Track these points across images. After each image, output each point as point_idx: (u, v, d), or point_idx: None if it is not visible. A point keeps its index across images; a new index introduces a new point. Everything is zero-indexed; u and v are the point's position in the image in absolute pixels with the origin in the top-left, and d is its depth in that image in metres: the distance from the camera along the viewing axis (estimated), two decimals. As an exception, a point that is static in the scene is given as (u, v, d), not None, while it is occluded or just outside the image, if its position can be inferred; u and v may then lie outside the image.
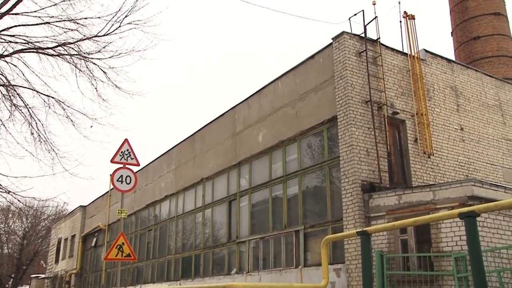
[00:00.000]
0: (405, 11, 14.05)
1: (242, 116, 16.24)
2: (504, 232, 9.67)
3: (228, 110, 17.11)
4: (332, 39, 12.76)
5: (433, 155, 12.82)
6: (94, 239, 28.92)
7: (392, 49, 13.33)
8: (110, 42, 11.89)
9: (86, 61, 11.91)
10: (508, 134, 15.37)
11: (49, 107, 11.93)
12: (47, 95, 11.93)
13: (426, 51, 14.16)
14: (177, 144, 20.61)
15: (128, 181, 10.64)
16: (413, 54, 13.56)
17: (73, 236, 32.71)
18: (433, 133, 13.12)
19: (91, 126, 12.17)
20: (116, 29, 11.71)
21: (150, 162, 22.97)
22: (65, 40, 11.58)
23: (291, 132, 13.67)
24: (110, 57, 11.97)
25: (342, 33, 12.50)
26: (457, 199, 9.59)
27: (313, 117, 12.97)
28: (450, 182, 10.13)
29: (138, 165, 11.07)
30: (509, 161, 14.95)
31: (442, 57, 14.56)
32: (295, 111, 13.69)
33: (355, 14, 13.09)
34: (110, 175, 10.66)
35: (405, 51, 13.66)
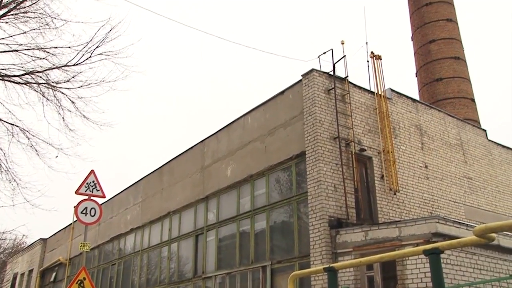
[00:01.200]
0: (372, 52, 14.54)
1: (211, 150, 16.22)
2: (466, 269, 9.83)
3: (197, 144, 17.08)
4: (302, 76, 13.03)
5: (398, 192, 13.05)
6: (54, 274, 27.78)
7: (360, 88, 13.70)
8: (80, 72, 11.83)
9: (54, 90, 11.78)
10: (469, 173, 15.84)
11: (13, 135, 11.66)
12: (11, 124, 11.68)
13: (392, 90, 14.61)
14: (145, 176, 20.32)
15: (92, 214, 10.38)
16: (379, 93, 13.95)
17: (30, 271, 31.33)
18: (399, 170, 13.40)
19: (56, 156, 11.93)
20: (87, 59, 11.68)
21: (116, 194, 22.51)
22: (33, 68, 11.45)
23: (260, 167, 13.71)
24: (79, 87, 11.88)
25: (312, 70, 12.80)
26: (422, 235, 9.73)
27: (282, 152, 13.07)
28: (415, 219, 10.30)
29: (103, 197, 10.84)
30: (470, 199, 15.35)
31: (407, 97, 15.03)
32: (264, 145, 13.78)
33: (324, 53, 13.47)
34: (74, 207, 10.39)
35: (372, 89, 14.06)
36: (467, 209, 15.03)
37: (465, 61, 25.65)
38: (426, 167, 14.37)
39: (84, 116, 12.04)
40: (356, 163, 12.44)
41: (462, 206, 14.94)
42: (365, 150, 12.85)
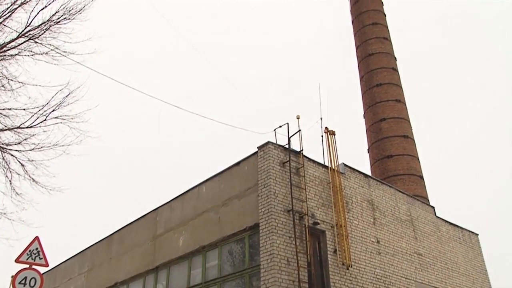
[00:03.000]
0: (326, 127, 15.06)
1: (164, 219, 15.87)
2: None
3: (150, 212, 16.70)
4: (257, 148, 13.25)
5: (351, 266, 13.05)
6: None
7: (314, 161, 14.02)
8: (33, 135, 11.58)
9: (4, 152, 11.42)
10: (420, 249, 16.12)
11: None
12: None
13: (346, 165, 15.02)
14: (93, 244, 19.47)
15: (32, 284, 9.75)
16: (333, 167, 14.31)
17: None
18: (352, 244, 13.48)
19: (-3, 221, 11.32)
20: (41, 122, 11.50)
21: (61, 263, 21.33)
22: (-17, 129, 11.13)
23: (213, 238, 13.48)
24: (30, 150, 11.58)
25: (267, 143, 13.05)
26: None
27: (236, 224, 12.95)
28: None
29: (47, 265, 10.25)
30: (421, 276, 15.51)
31: (359, 172, 15.47)
32: (218, 216, 13.64)
33: (280, 126, 13.84)
34: (12, 276, 9.74)
35: (326, 164, 14.41)
36: (418, 286, 15.14)
37: (413, 140, 26.91)
38: (378, 242, 14.54)
39: (33, 180, 11.65)
40: (309, 236, 12.45)
41: (413, 282, 15.04)
42: (319, 224, 12.93)
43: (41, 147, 11.59)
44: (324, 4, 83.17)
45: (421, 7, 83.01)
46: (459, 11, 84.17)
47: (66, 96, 11.49)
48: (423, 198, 23.66)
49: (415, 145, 26.73)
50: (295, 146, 13.61)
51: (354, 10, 31.50)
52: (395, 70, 28.79)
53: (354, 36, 31.13)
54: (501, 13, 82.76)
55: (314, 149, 14.55)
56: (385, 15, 30.96)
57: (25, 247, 10.04)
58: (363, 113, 28.66)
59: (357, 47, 30.56)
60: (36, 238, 10.23)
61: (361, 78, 29.42)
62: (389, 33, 30.37)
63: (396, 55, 29.74)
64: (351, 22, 31.80)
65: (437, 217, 17.92)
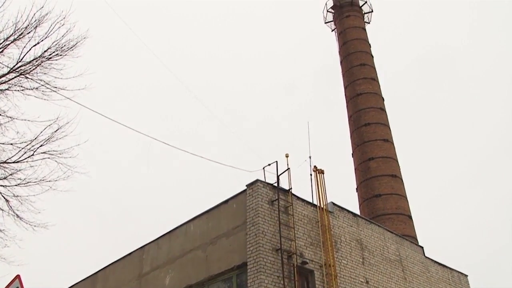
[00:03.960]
0: (315, 166, 15.12)
1: (150, 257, 15.57)
2: None
3: (137, 250, 16.39)
4: (246, 186, 13.21)
5: (340, 308, 12.82)
6: None
7: (303, 200, 13.98)
8: (19, 170, 11.45)
9: (-12, 187, 11.24)
10: (409, 290, 15.93)
11: None
12: None
13: (334, 204, 14.99)
14: (77, 283, 18.95)
15: (11, 325, 9.40)
16: (322, 206, 14.27)
17: None
18: (340, 284, 13.30)
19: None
20: (29, 157, 11.39)
21: (41, 303, 20.69)
22: (-33, 163, 11.00)
23: (200, 277, 13.22)
24: (16, 185, 11.42)
25: (256, 181, 13.03)
26: None
27: (223, 262, 12.75)
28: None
29: (27, 305, 9.93)
30: (411, 317, 15.26)
31: (348, 211, 15.43)
32: (206, 255, 13.43)
33: (269, 164, 13.85)
34: (-9, 316, 9.40)
35: (315, 203, 14.37)
36: (408, 328, 14.87)
37: (402, 179, 27.04)
38: (367, 282, 14.36)
39: (18, 216, 11.44)
40: (298, 276, 12.27)
41: (402, 324, 14.78)
42: (307, 263, 12.77)
43: (27, 182, 11.45)
44: (312, 43, 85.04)
45: (408, 45, 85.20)
46: (441, 52, 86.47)
47: (55, 131, 11.45)
48: (412, 238, 23.57)
49: (403, 184, 26.85)
50: (284, 184, 13.61)
51: (342, 51, 32.21)
52: (383, 110, 29.23)
53: (343, 76, 31.71)
54: (480, 54, 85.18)
55: (303, 188, 14.55)
56: (372, 57, 31.68)
57: (4, 286, 9.74)
58: (352, 152, 28.86)
59: (345, 87, 31.08)
60: (17, 276, 9.93)
61: (350, 117, 29.79)
62: (376, 73, 31.01)
63: (383, 95, 30.27)
64: (339, 62, 32.45)
65: (426, 257, 17.81)
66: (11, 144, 11.23)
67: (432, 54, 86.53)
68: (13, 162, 11.28)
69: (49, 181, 11.60)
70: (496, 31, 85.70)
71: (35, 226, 11.80)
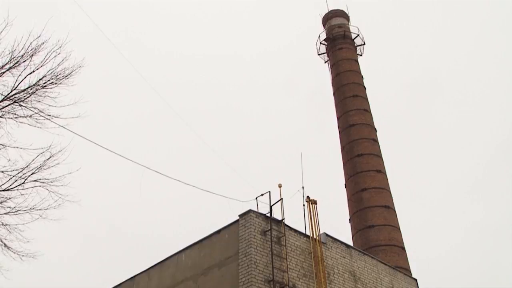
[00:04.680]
0: (308, 196, 15.09)
1: (140, 288, 15.30)
2: None
3: (126, 281, 16.11)
4: (239, 216, 13.13)
5: None
6: None
7: (296, 231, 13.89)
8: (9, 198, 11.33)
9: (-24, 215, 11.09)
10: (403, 323, 15.70)
11: None
12: None
13: (327, 235, 14.90)
14: (63, 315, 18.53)
15: None
16: (315, 237, 14.17)
17: None
18: (333, 318, 13.09)
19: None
20: (20, 185, 11.29)
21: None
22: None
23: (191, 309, 12.98)
24: (5, 214, 11.28)
25: (249, 211, 12.97)
26: None
27: (215, 294, 12.54)
28: None
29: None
30: None
31: (341, 242, 15.33)
32: (197, 285, 13.22)
33: (262, 194, 13.82)
34: None
35: (308, 233, 14.28)
36: None
37: (395, 210, 26.99)
38: (360, 315, 14.15)
39: (5, 245, 11.25)
40: (290, 308, 12.07)
41: None
42: (300, 295, 12.60)
43: (17, 210, 11.32)
44: (304, 73, 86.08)
45: (397, 72, 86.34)
46: (429, 77, 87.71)
47: (47, 159, 11.40)
48: (405, 270, 23.35)
49: (396, 215, 26.78)
50: (277, 214, 13.55)
51: (335, 83, 32.61)
52: (375, 141, 29.41)
53: (336, 107, 32.01)
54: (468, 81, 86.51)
55: (295, 218, 14.49)
56: (365, 88, 32.08)
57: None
58: (345, 183, 28.86)
59: (338, 118, 31.33)
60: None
61: (343, 148, 29.92)
62: (369, 105, 31.34)
63: (376, 126, 30.52)
64: (332, 93, 32.82)
65: (420, 290, 17.63)
66: (2, 172, 11.16)
67: (421, 79, 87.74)
68: (3, 190, 11.18)
69: (40, 209, 11.48)
70: (485, 53, 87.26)
71: (23, 255, 11.61)
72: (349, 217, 27.62)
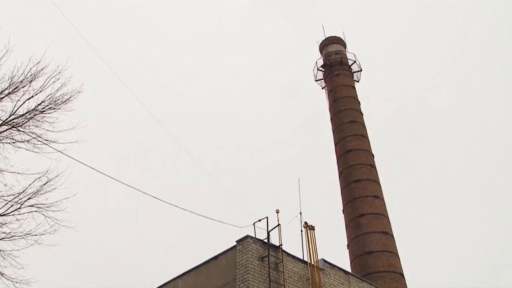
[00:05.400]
0: (305, 222, 15.02)
1: (135, 315, 15.06)
2: None
3: (121, 307, 15.87)
4: (236, 242, 13.04)
5: None
6: None
7: (293, 257, 13.77)
8: (5, 223, 11.23)
9: (-31, 241, 10.97)
10: None
11: None
12: None
13: (325, 261, 14.77)
14: None
15: None
16: (312, 263, 14.05)
17: None
18: None
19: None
20: (15, 210, 11.21)
21: None
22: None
23: (187, 337, 12.75)
24: (0, 239, 11.16)
25: (246, 237, 12.88)
26: None
27: (212, 322, 12.36)
28: None
29: None
30: None
31: (339, 268, 15.18)
32: (193, 313, 13.02)
33: (259, 220, 13.75)
34: None
35: (306, 259, 14.16)
36: None
37: (393, 236, 26.82)
38: None
39: None
40: (288, 337, 11.88)
41: None
42: (298, 323, 12.42)
43: (12, 236, 11.20)
44: (301, 99, 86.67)
45: (391, 98, 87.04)
46: (421, 103, 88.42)
47: (44, 184, 11.36)
48: (405, 297, 23.07)
49: (394, 241, 26.60)
50: (274, 240, 13.46)
51: (332, 109, 32.82)
52: (373, 166, 29.44)
53: (333, 132, 32.13)
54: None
55: (293, 244, 14.40)
56: (362, 114, 32.28)
57: None
58: (342, 208, 28.75)
59: (336, 143, 31.42)
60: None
61: (340, 173, 29.91)
62: (366, 131, 31.47)
63: (373, 152, 30.59)
64: (330, 119, 32.99)
65: (419, 317, 17.40)
66: (-2, 197, 11.09)
67: (412, 106, 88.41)
68: (-1, 215, 11.09)
69: (35, 235, 11.37)
70: (474, 80, 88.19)
71: (16, 282, 11.44)
72: (347, 243, 27.42)
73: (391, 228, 27.05)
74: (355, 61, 34.94)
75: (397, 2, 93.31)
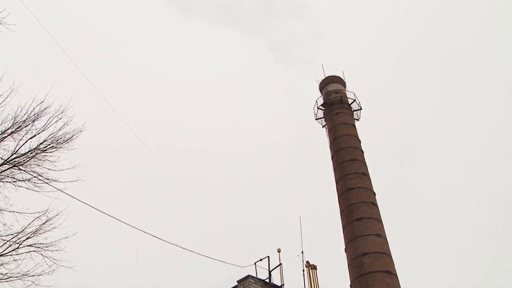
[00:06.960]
0: (307, 261, 14.84)
1: None
2: None
3: None
4: (237, 281, 12.83)
5: None
6: None
7: (295, 298, 13.52)
8: (2, 264, 11.06)
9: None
10: None
11: None
12: None
13: (327, 302, 14.48)
14: None
15: None
16: (314, 304, 13.76)
17: None
18: None
19: None
20: (13, 250, 11.07)
21: None
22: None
23: None
24: (-4, 280, 10.96)
25: (248, 276, 12.68)
26: None
27: None
28: None
29: None
30: None
31: (342, 310, 14.87)
32: None
33: (261, 259, 13.58)
34: None
35: (307, 300, 13.89)
36: None
37: (396, 275, 26.36)
38: None
39: (-6, 314, 10.86)
40: None
41: None
42: None
43: (9, 277, 11.01)
44: (302, 137, 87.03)
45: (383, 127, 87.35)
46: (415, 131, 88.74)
47: (43, 224, 11.27)
48: None
49: (398, 281, 26.11)
50: (276, 280, 13.24)
51: (333, 147, 32.91)
52: (374, 204, 29.24)
53: (334, 170, 32.10)
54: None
55: (295, 283, 14.17)
56: (362, 152, 32.34)
57: None
58: (344, 247, 28.38)
59: (337, 181, 31.33)
60: None
61: (342, 211, 29.69)
62: (367, 168, 31.45)
63: (375, 190, 30.45)
64: (330, 157, 33.03)
65: None
66: (-3, 236, 10.97)
67: (407, 134, 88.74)
68: (-3, 256, 10.94)
69: (33, 275, 11.19)
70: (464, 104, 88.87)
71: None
72: (350, 283, 26.92)
73: (394, 267, 26.62)
74: (354, 100, 35.33)
75: (391, 41, 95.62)
